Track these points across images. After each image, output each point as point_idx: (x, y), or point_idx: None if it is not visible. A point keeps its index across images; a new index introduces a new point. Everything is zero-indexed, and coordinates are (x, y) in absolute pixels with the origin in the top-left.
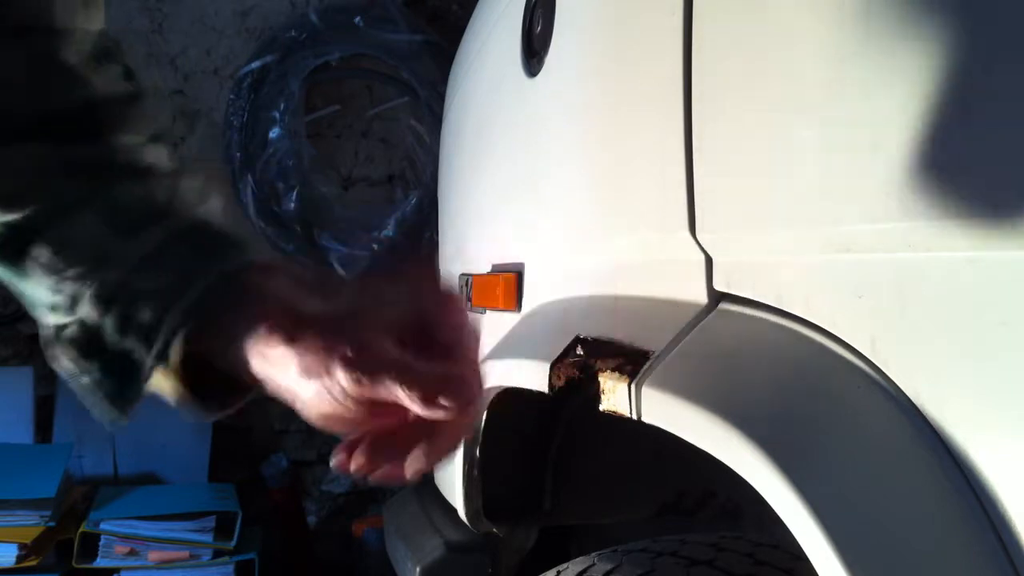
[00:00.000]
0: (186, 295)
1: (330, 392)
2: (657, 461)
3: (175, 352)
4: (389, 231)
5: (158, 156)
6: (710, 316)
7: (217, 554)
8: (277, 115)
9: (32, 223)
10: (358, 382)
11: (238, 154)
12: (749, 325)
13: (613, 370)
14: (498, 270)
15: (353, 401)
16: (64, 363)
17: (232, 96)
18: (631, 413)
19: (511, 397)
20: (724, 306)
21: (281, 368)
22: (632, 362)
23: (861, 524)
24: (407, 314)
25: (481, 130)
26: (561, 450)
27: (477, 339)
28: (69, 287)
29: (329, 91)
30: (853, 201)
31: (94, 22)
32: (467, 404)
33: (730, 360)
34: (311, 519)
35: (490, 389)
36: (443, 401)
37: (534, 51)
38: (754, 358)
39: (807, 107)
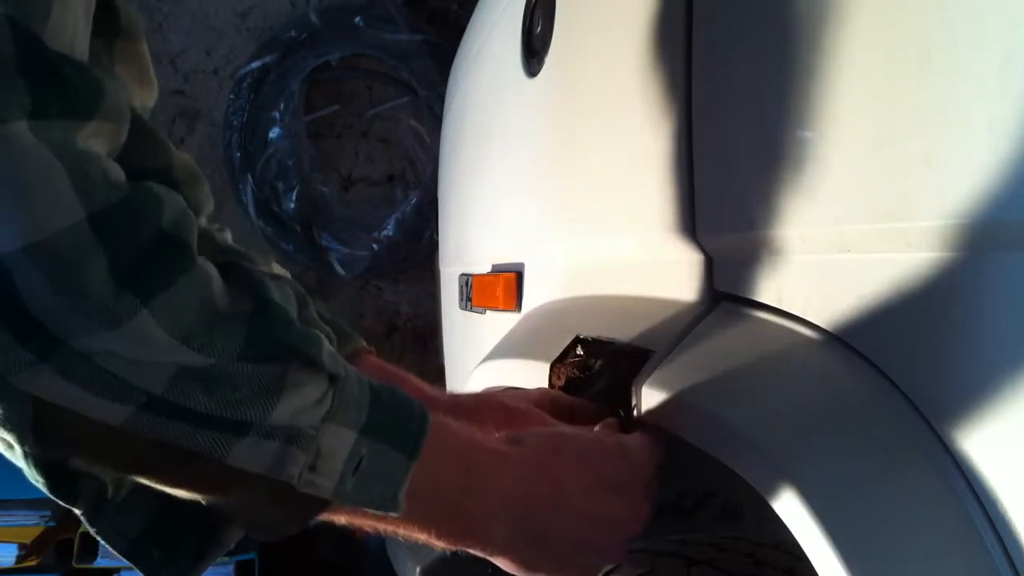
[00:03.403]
0: None
1: None
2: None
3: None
4: (389, 231)
5: None
6: (710, 316)
7: None
8: (277, 115)
9: None
10: None
11: (238, 154)
12: (749, 325)
13: (613, 370)
14: (498, 270)
15: None
16: None
17: (232, 96)
18: (631, 413)
19: None
20: (724, 306)
21: None
22: (632, 362)
23: (861, 524)
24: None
25: (481, 130)
26: None
27: None
28: None
29: (329, 91)
30: (853, 201)
31: (149, 99)
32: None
33: (730, 360)
34: None
35: (491, 389)
36: None
37: (534, 51)
38: (754, 358)
39: (807, 107)
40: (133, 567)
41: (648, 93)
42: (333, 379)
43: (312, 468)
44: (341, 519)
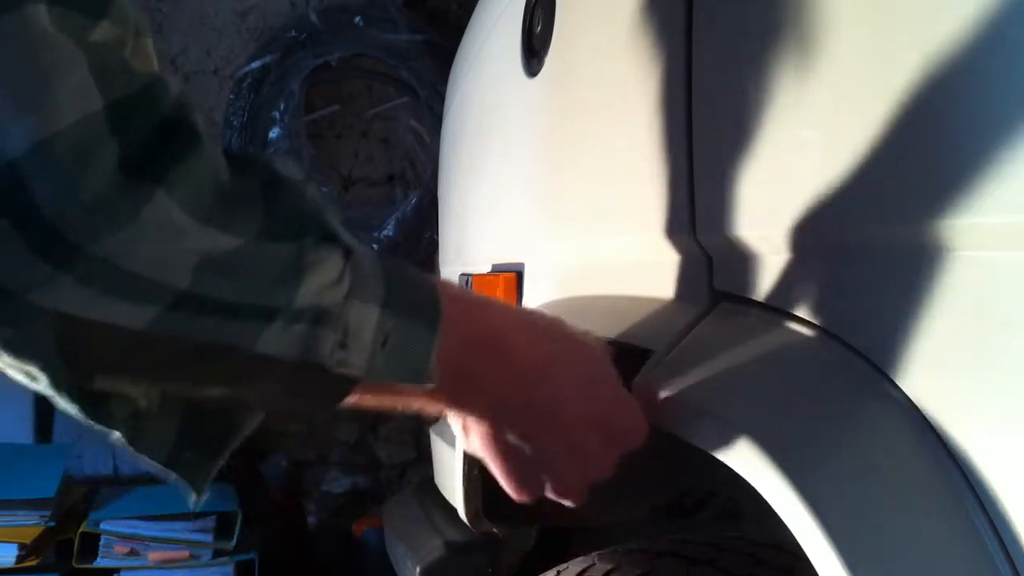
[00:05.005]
0: None
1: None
2: (657, 461)
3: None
4: (389, 231)
5: None
6: (710, 316)
7: (217, 554)
8: (277, 115)
9: None
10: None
11: None
12: (749, 325)
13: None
14: (498, 270)
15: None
16: None
17: (232, 96)
18: None
19: None
20: (724, 306)
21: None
22: (632, 362)
23: (861, 524)
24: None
25: (481, 130)
26: None
27: None
28: None
29: (329, 91)
30: (853, 201)
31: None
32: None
33: (730, 360)
34: (311, 519)
35: None
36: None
37: (534, 51)
38: (754, 358)
39: (808, 106)
40: (171, 475)
41: (648, 92)
42: (348, 253)
43: (343, 346)
44: (366, 400)
